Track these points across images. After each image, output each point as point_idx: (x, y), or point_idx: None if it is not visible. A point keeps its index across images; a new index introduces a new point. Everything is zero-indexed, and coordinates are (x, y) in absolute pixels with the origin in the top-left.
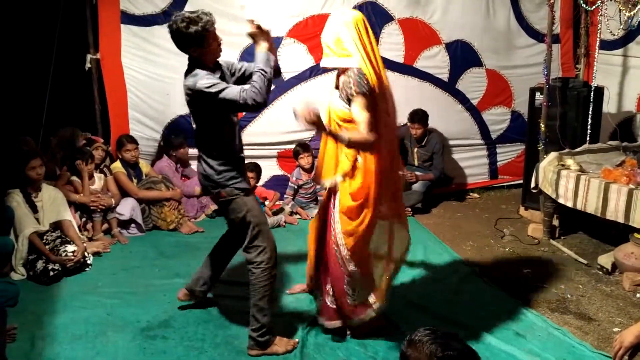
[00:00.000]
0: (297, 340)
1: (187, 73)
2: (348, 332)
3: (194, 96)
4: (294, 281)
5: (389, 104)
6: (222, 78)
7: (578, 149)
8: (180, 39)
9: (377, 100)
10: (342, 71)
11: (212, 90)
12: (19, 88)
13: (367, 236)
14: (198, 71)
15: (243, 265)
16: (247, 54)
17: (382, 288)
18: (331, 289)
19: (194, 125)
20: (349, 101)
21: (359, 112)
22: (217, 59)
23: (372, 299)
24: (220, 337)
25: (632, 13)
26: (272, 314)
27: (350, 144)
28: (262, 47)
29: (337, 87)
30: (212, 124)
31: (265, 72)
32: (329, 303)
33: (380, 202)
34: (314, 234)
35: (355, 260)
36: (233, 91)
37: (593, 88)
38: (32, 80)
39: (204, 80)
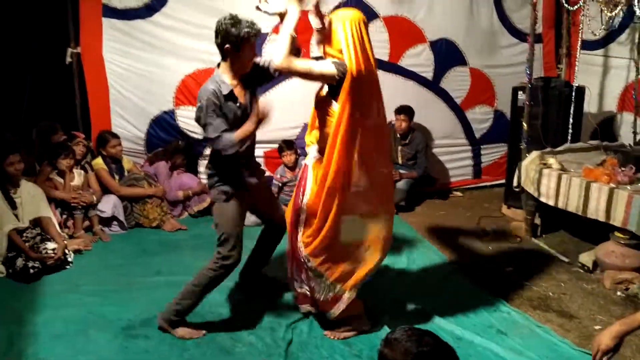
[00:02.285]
0: (203, 332)
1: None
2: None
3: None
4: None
5: (380, 104)
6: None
7: (560, 148)
8: (221, 35)
9: (355, 91)
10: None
11: (200, 122)
12: None
13: (328, 239)
14: (219, 73)
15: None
16: None
17: (356, 276)
18: (298, 275)
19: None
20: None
21: (321, 66)
22: (244, 73)
23: (338, 289)
24: None
25: (613, 13)
26: (255, 309)
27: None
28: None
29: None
30: None
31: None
32: (297, 288)
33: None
34: (289, 223)
35: (316, 260)
36: (209, 133)
37: (574, 88)
38: (11, 74)
39: (199, 109)
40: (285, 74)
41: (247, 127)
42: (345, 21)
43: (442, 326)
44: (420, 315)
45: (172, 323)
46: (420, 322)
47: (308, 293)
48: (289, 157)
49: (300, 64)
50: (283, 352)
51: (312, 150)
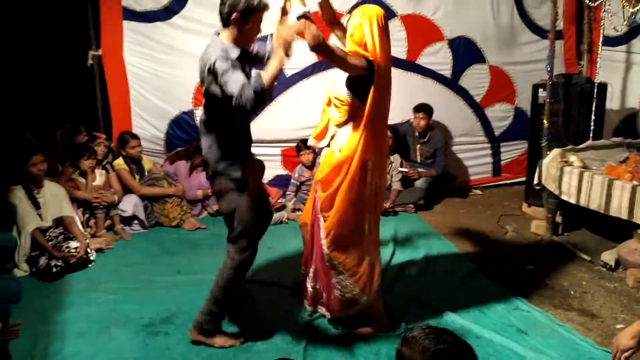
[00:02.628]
0: (241, 339)
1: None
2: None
3: (206, 69)
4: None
5: (389, 101)
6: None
7: (581, 146)
8: (229, 2)
9: (378, 86)
10: None
11: (215, 81)
12: (21, 84)
13: (348, 227)
14: (221, 40)
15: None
16: None
17: (372, 279)
18: (313, 274)
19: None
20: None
21: (348, 55)
22: (245, 48)
23: (357, 290)
24: None
25: (635, 9)
26: (274, 307)
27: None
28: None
29: None
30: (221, 103)
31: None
32: (308, 286)
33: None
34: (310, 222)
35: (338, 255)
36: (230, 87)
37: (596, 84)
38: (34, 76)
39: (218, 52)
40: (321, 53)
41: (274, 64)
42: (371, 17)
43: (461, 325)
44: (439, 314)
45: (207, 332)
46: (439, 320)
47: (322, 293)
48: (306, 156)
49: (337, 50)
50: (302, 350)
51: (323, 143)
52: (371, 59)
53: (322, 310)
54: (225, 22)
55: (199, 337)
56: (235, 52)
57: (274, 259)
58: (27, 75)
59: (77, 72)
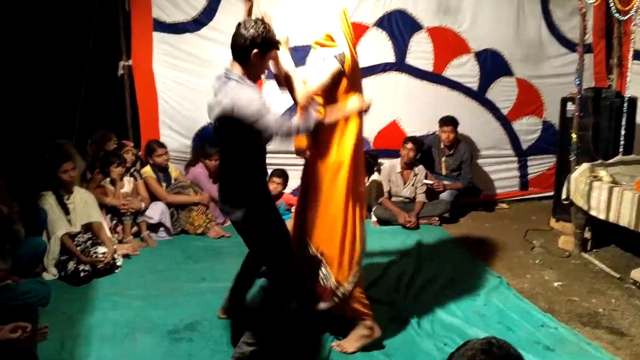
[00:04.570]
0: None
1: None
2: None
3: (228, 113)
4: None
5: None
6: None
7: (611, 161)
8: (251, 38)
9: (350, 87)
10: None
11: (258, 122)
12: (54, 93)
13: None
14: (251, 93)
15: None
16: None
17: (346, 270)
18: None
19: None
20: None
21: (325, 70)
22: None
23: (332, 282)
24: None
25: None
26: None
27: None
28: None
29: None
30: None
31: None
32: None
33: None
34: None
35: (313, 243)
36: (273, 124)
37: (626, 99)
38: (66, 86)
39: (253, 113)
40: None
41: (350, 109)
42: (338, 12)
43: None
44: (464, 330)
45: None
46: (464, 336)
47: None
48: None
49: (314, 87)
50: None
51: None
52: (342, 51)
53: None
54: (242, 57)
55: None
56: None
57: None
58: (60, 85)
59: (108, 82)
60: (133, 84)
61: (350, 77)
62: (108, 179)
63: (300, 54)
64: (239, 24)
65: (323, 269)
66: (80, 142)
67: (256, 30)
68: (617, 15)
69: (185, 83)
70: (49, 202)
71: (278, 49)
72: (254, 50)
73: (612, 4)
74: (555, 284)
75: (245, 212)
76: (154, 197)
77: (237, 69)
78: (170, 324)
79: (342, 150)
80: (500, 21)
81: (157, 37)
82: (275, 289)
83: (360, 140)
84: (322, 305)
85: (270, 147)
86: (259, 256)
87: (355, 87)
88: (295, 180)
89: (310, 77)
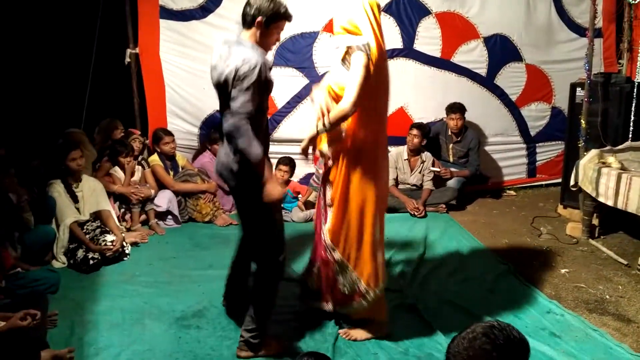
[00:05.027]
0: (286, 342)
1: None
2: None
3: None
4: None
5: (387, 95)
6: None
7: (620, 147)
8: (257, 5)
9: (376, 81)
10: (348, 48)
11: (237, 83)
12: (61, 82)
13: (343, 218)
14: (254, 56)
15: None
16: (283, 48)
17: (375, 274)
18: (317, 271)
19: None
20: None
21: (357, 67)
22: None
23: (362, 286)
24: None
25: None
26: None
27: (331, 126)
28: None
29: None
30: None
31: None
32: (311, 284)
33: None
34: (316, 217)
35: (339, 248)
36: (242, 105)
37: (636, 84)
38: (73, 74)
39: (245, 74)
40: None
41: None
42: (364, 1)
43: None
44: (471, 316)
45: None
46: (471, 322)
47: (324, 287)
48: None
49: (354, 89)
50: (331, 347)
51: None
52: (367, 40)
53: (326, 306)
54: (249, 23)
55: (249, 354)
56: (269, 62)
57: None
58: (67, 73)
59: (115, 70)
60: (140, 71)
61: (375, 68)
62: (116, 167)
63: (307, 41)
64: None
65: (351, 273)
66: (88, 130)
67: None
68: None
69: (193, 70)
70: (58, 190)
71: (289, 20)
72: (259, 18)
73: None
74: (562, 270)
75: (243, 179)
76: (161, 185)
77: (245, 34)
78: (179, 310)
79: (361, 153)
80: (509, 6)
81: (164, 24)
82: (261, 270)
83: (377, 141)
84: (342, 310)
85: (281, 135)
86: (249, 230)
87: (381, 82)
88: (301, 168)
89: (347, 82)
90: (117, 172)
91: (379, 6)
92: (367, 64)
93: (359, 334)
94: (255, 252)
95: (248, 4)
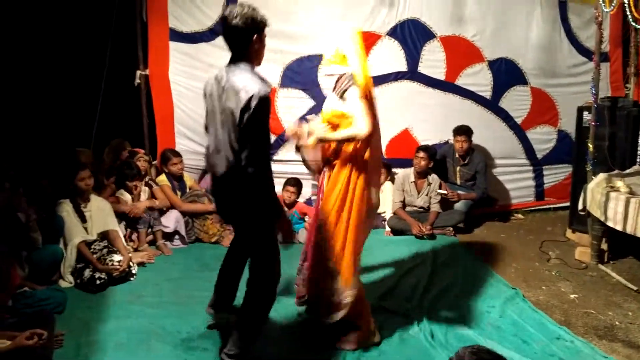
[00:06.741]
0: None
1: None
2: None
3: (252, 103)
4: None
5: (376, 119)
6: None
7: (628, 171)
8: (247, 23)
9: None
10: (339, 77)
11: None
12: (72, 102)
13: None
14: (256, 85)
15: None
16: (289, 70)
17: (352, 269)
18: (319, 281)
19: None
20: (342, 97)
21: (355, 100)
22: None
23: (342, 288)
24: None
25: None
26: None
27: (340, 141)
28: None
29: (334, 90)
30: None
31: None
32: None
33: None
34: (311, 227)
35: (332, 255)
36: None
37: None
38: (84, 94)
39: (256, 104)
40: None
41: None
42: (352, 33)
43: (502, 354)
44: (479, 342)
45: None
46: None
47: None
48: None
49: (364, 118)
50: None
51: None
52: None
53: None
54: (243, 45)
55: None
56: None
57: None
58: (78, 93)
59: (125, 91)
60: (150, 92)
61: (366, 92)
62: (122, 190)
63: (313, 63)
64: (224, 18)
65: (340, 279)
66: (98, 150)
67: (246, 13)
68: (633, 23)
69: (201, 92)
70: (67, 209)
71: (264, 29)
72: (254, 35)
73: (628, 13)
74: (572, 296)
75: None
76: (169, 206)
77: (245, 67)
78: (184, 332)
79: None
80: (516, 30)
81: (174, 46)
82: (254, 285)
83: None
84: (338, 316)
85: (287, 155)
86: (246, 244)
87: (372, 103)
88: (308, 189)
89: (352, 113)
90: (124, 195)
91: (360, 36)
92: (362, 95)
93: (348, 344)
94: (252, 263)
95: (234, 28)
